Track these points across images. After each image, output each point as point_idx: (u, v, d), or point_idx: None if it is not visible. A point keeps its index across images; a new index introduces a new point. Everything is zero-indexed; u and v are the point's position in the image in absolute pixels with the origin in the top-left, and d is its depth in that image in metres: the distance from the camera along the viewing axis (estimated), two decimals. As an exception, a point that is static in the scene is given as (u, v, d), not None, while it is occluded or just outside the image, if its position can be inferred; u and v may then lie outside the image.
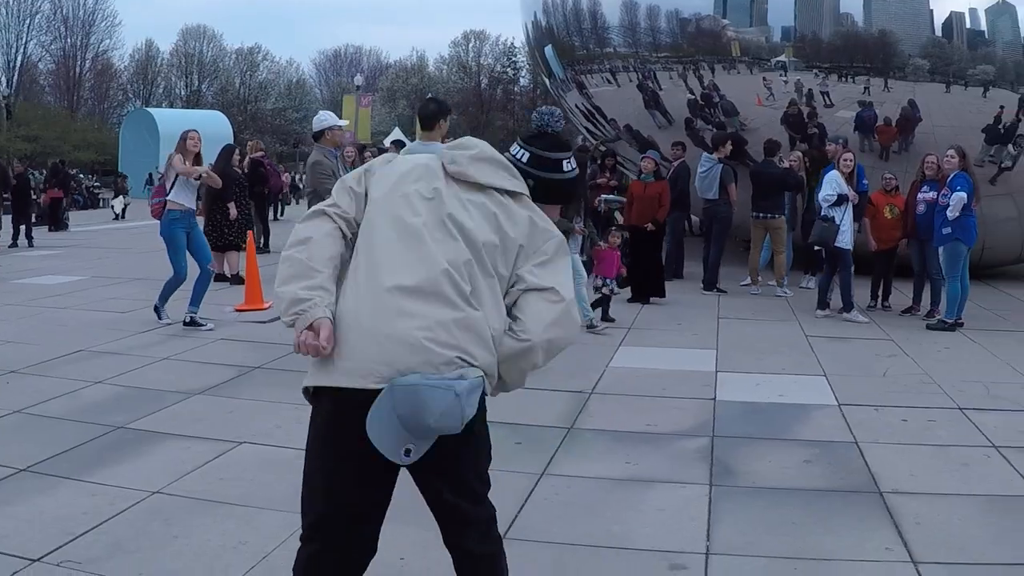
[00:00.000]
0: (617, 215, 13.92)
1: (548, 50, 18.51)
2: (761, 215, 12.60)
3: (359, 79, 43.91)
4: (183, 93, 76.13)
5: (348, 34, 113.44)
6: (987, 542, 4.50)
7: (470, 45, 79.34)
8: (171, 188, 9.19)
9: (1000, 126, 13.57)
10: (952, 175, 10.33)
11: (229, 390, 7.02)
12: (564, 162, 3.05)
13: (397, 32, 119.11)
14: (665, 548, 4.31)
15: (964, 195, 10.08)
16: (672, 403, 7.01)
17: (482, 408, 2.75)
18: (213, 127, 44.82)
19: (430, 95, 59.87)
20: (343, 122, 8.44)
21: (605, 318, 9.98)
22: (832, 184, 10.72)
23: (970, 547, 4.42)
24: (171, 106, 68.61)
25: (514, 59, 75.61)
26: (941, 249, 10.44)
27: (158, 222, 9.35)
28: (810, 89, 14.48)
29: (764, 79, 14.85)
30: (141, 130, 45.72)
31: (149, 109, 55.30)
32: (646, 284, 11.63)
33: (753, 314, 11.25)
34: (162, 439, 5.74)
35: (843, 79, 14.51)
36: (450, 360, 2.61)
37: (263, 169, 15.74)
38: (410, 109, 67.09)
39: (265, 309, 10.16)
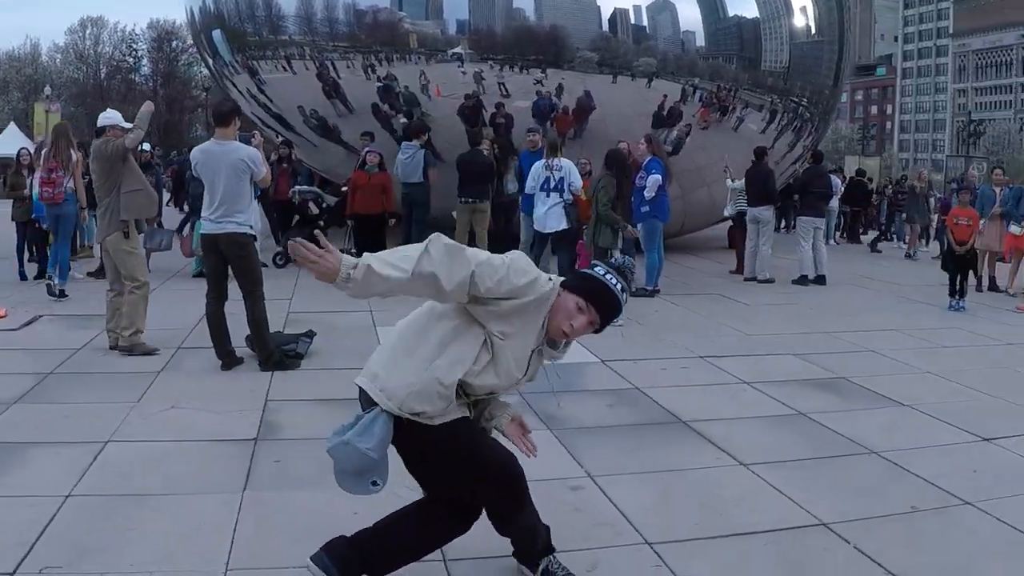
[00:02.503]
0: (312, 206, 14.59)
1: (216, 34, 18.61)
2: (469, 200, 13.81)
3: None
4: None
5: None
6: (784, 447, 6.00)
7: (87, 32, 74.66)
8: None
9: (664, 113, 15.82)
10: (646, 160, 12.14)
11: (43, 396, 6.94)
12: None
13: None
14: (556, 477, 5.30)
15: (659, 177, 11.94)
16: (463, 370, 7.96)
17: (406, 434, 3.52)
18: None
19: (48, 86, 56.04)
20: (126, 124, 8.73)
21: None
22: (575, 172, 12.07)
23: (774, 450, 5.89)
24: None
25: (134, 47, 72.27)
26: (640, 225, 12.22)
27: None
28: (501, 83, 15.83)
29: (422, 75, 16.17)
30: None
31: None
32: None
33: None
34: (23, 448, 5.67)
35: (517, 70, 16.09)
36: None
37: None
38: (24, 102, 62.28)
39: (2, 317, 9.88)
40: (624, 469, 5.50)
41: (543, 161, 11.93)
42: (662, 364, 8.34)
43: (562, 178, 11.68)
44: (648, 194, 11.97)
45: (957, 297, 11.91)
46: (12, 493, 4.95)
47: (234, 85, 19.32)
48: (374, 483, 3.51)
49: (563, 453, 5.80)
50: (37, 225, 12.49)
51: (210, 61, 20.75)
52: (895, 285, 14.39)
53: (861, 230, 23.61)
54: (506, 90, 16.16)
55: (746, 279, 14.05)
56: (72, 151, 11.56)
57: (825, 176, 16.18)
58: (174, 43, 66.30)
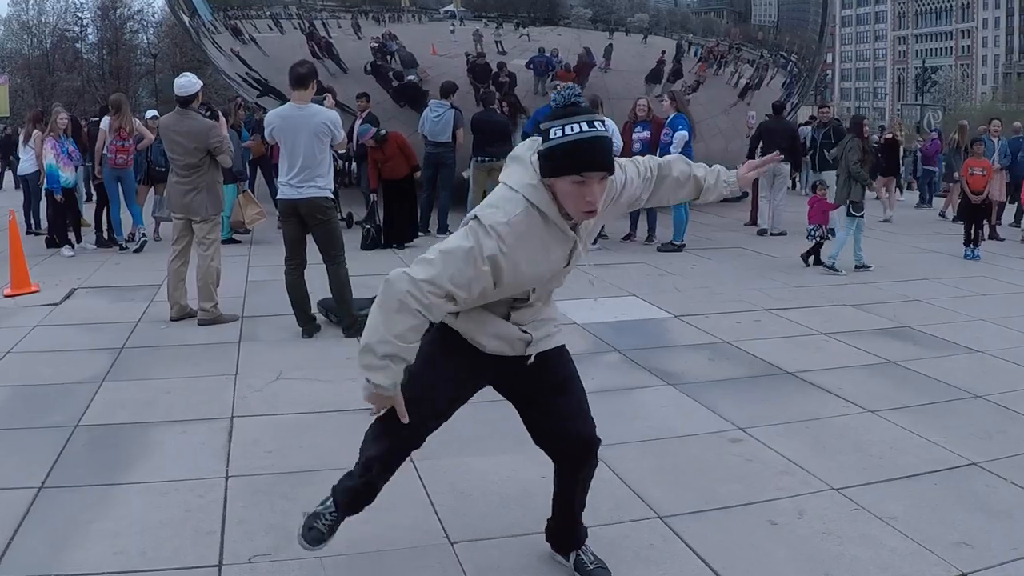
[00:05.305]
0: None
1: (197, -7, 18.58)
2: (487, 159, 14.04)
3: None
4: None
5: None
6: (894, 393, 6.52)
7: (30, 2, 71.93)
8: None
9: (663, 69, 16.26)
10: (671, 116, 12.58)
11: (128, 373, 6.85)
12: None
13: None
14: (709, 431, 5.75)
15: (685, 133, 12.38)
16: (549, 330, 8.32)
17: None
18: None
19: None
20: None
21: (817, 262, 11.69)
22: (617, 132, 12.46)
23: (888, 397, 6.40)
24: None
25: (79, 15, 70.24)
26: (666, 181, 12.67)
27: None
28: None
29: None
30: None
31: None
32: (403, 231, 12.89)
33: (502, 251, 12.71)
34: (142, 429, 5.59)
35: (511, 28, 16.32)
36: None
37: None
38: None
39: (36, 291, 9.66)
40: (766, 420, 5.92)
41: None
42: (734, 318, 8.78)
43: (606, 137, 12.08)
44: (675, 150, 12.40)
45: (972, 246, 12.58)
46: (166, 477, 4.86)
47: (214, 43, 19.28)
48: None
49: (699, 407, 6.20)
50: (52, 197, 12.35)
51: (185, 19, 20.59)
52: (903, 235, 15.06)
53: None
54: (503, 48, 16.40)
55: (759, 232, 14.61)
56: (134, 118, 12.90)
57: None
58: (119, 11, 65.04)
